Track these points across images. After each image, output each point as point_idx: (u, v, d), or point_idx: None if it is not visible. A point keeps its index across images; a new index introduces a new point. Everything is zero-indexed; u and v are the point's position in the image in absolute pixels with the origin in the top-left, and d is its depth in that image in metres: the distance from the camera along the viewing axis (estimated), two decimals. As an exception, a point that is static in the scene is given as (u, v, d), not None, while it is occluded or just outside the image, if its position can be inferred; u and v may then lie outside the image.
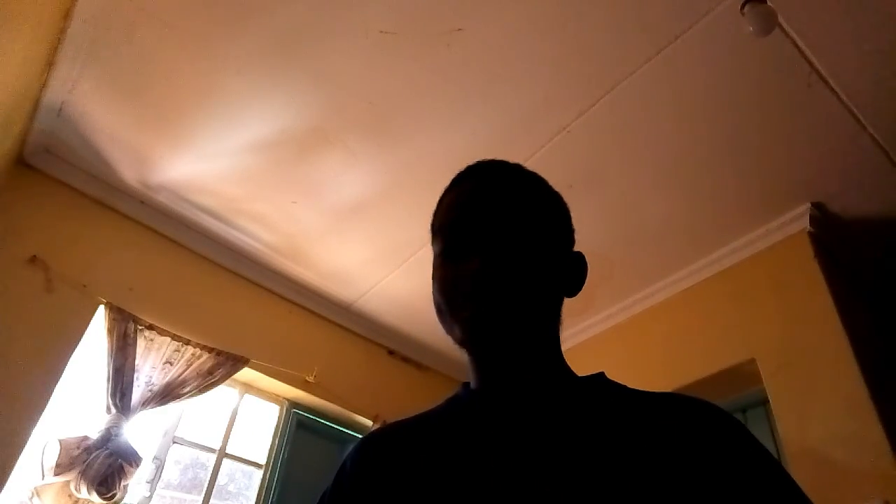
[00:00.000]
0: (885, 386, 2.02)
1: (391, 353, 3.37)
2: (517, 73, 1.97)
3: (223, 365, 2.59)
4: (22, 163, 2.39)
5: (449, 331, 0.64)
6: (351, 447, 0.69)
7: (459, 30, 1.85)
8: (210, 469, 2.62)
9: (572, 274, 0.68)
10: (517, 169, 0.70)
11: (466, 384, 0.68)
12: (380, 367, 3.30)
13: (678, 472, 0.49)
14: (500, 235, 0.61)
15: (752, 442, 0.54)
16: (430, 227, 0.71)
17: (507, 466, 0.53)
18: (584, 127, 2.12)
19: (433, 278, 0.66)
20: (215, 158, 2.38)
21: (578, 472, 0.50)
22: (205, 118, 2.21)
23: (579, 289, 0.68)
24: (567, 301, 0.68)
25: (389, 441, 0.66)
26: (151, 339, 2.43)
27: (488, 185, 0.66)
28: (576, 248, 0.71)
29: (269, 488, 2.70)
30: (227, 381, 2.64)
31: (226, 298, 2.84)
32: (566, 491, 0.49)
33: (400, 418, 0.70)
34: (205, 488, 2.56)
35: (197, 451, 2.67)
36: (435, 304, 0.65)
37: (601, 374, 0.64)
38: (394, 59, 1.96)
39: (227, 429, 2.74)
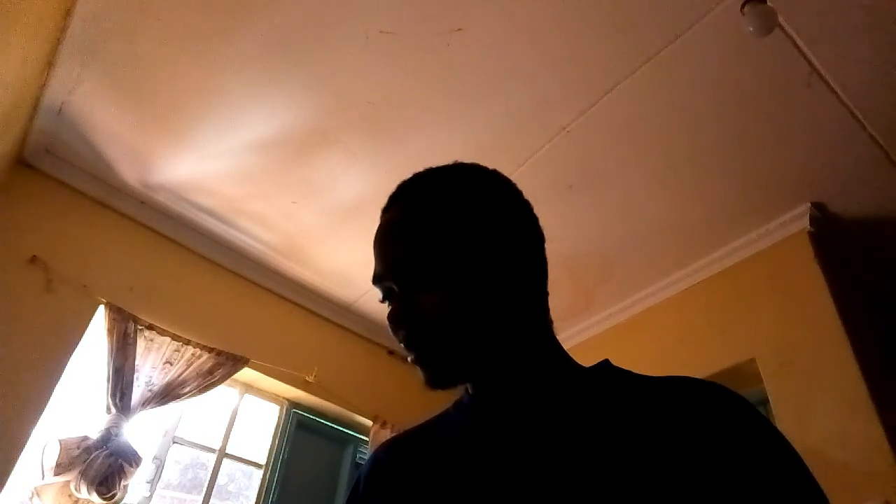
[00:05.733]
0: (885, 386, 2.02)
1: (391, 353, 3.36)
2: (517, 73, 1.97)
3: (223, 365, 2.59)
4: (22, 163, 2.39)
5: None
6: (364, 463, 0.71)
7: (459, 30, 1.85)
8: (210, 469, 2.62)
9: (513, 272, 0.59)
10: (421, 190, 0.68)
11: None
12: (380, 367, 3.30)
13: (688, 459, 0.48)
14: (413, 298, 0.59)
15: (765, 426, 0.52)
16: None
17: (514, 470, 0.53)
18: (584, 127, 2.12)
19: None
20: (215, 158, 2.38)
21: (588, 466, 0.50)
22: (205, 118, 2.21)
23: (534, 268, 0.62)
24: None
25: (400, 455, 0.66)
26: (151, 339, 2.43)
27: (391, 228, 0.66)
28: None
29: (269, 488, 2.70)
30: (227, 381, 2.64)
31: (226, 298, 2.84)
32: (578, 488, 0.49)
33: (406, 423, 0.70)
34: (205, 488, 2.56)
35: (197, 451, 2.67)
36: None
37: (606, 362, 0.62)
38: (394, 59, 1.96)
39: (227, 429, 2.74)
